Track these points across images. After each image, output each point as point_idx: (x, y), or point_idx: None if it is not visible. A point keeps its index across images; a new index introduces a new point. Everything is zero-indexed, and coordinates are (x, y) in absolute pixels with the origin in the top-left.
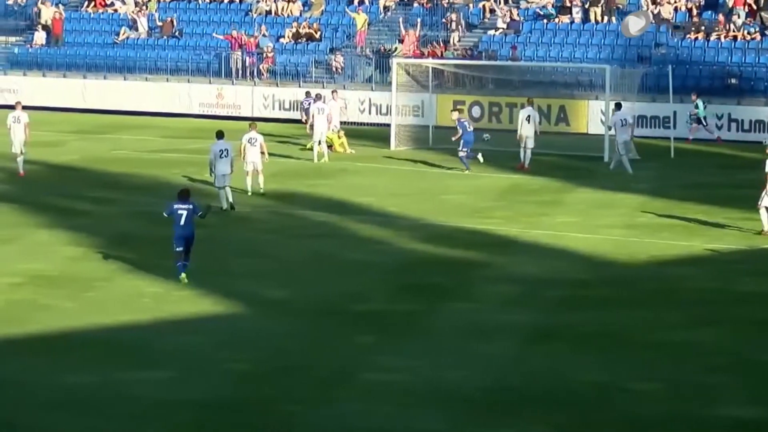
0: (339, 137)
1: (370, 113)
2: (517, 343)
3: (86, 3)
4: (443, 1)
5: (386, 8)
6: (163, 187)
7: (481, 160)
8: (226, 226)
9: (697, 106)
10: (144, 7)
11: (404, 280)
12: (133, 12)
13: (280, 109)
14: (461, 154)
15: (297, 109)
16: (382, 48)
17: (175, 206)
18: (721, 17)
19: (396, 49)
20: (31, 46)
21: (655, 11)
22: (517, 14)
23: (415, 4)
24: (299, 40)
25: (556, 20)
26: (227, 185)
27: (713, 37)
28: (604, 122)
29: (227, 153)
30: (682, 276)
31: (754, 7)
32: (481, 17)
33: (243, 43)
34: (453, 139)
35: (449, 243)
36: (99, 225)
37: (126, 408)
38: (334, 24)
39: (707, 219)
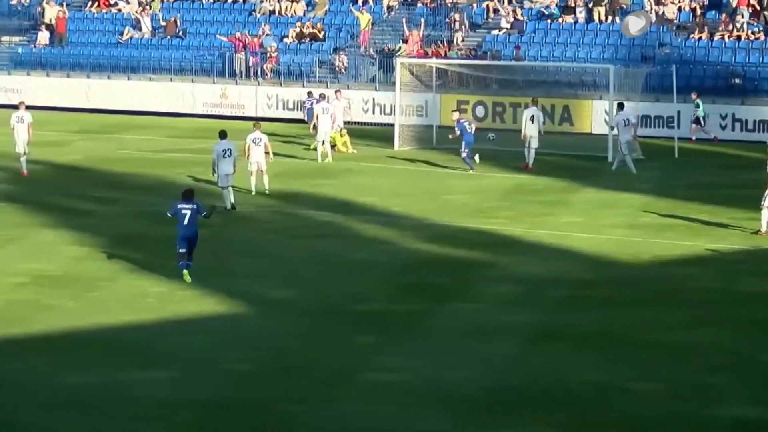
0: (341, 135)
1: (373, 113)
2: (518, 343)
3: (90, 3)
4: (447, 1)
5: (390, 8)
6: (167, 186)
7: (477, 161)
8: (230, 225)
9: (698, 105)
10: (147, 7)
11: (407, 280)
12: (136, 12)
13: (284, 109)
14: (464, 155)
15: (300, 109)
16: (386, 48)
17: (179, 206)
18: (724, 17)
19: (400, 48)
20: (34, 46)
21: (659, 11)
22: (521, 14)
23: (419, 4)
24: (303, 40)
25: (560, 20)
26: (230, 185)
27: (717, 36)
28: (607, 122)
29: (230, 153)
30: (684, 276)
31: (758, 7)
32: (485, 17)
33: (247, 43)
34: (450, 137)
35: (453, 243)
36: (103, 225)
37: (127, 408)
38: (337, 24)
39: (711, 219)
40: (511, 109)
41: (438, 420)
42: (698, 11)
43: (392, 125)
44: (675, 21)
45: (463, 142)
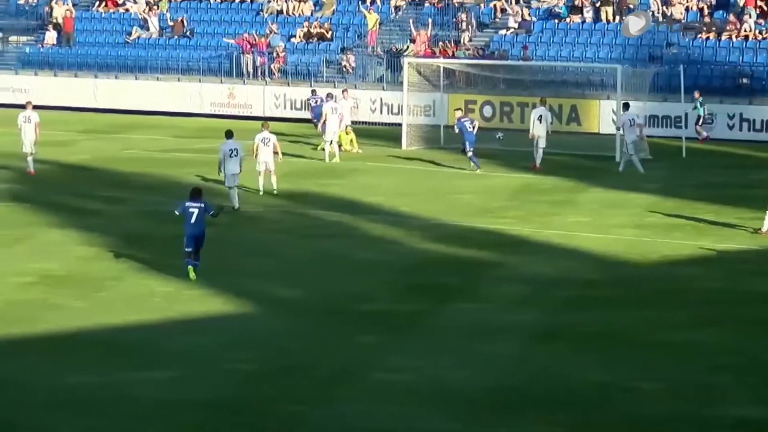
0: (347, 134)
1: (381, 113)
2: (521, 344)
3: (97, 2)
4: (454, 1)
5: (397, 8)
6: (175, 186)
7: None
8: (237, 225)
9: (702, 104)
10: (155, 7)
11: (412, 280)
12: (144, 11)
13: (291, 108)
14: (469, 154)
15: (307, 109)
16: (394, 48)
17: (187, 204)
18: (732, 17)
19: (407, 48)
20: (42, 46)
21: (667, 11)
22: (529, 14)
23: (426, 4)
24: (310, 40)
25: (568, 20)
26: (237, 185)
27: (724, 36)
28: (615, 122)
29: (237, 152)
30: (690, 276)
31: (766, 7)
32: (493, 17)
33: (254, 43)
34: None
35: (461, 243)
36: (110, 224)
37: (127, 408)
38: (345, 24)
39: (718, 219)
40: (519, 109)
41: (440, 420)
42: (706, 11)
43: (400, 125)
44: (682, 21)
45: (466, 142)
